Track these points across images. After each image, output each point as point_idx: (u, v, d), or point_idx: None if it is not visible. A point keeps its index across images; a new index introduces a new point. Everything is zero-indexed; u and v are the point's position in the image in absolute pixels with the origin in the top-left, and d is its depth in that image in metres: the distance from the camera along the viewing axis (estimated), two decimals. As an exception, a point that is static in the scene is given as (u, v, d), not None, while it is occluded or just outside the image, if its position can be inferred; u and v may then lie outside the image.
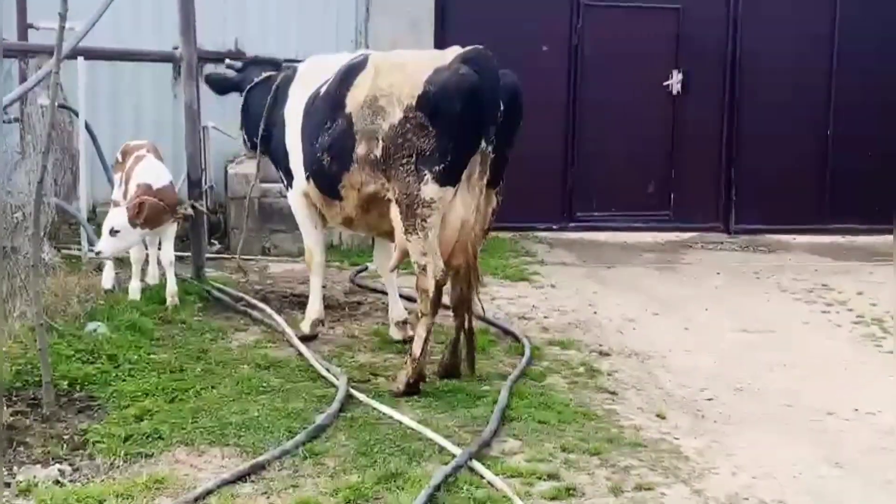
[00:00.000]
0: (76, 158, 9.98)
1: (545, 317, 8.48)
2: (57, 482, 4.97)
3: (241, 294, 8.53)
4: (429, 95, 6.01)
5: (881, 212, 11.67)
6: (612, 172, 12.26)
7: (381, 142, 6.23)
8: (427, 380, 6.35)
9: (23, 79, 9.56)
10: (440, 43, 11.36)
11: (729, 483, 5.29)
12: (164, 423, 5.64)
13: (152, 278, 8.67)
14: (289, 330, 7.41)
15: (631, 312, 8.74)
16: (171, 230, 8.25)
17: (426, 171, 6.03)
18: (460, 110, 5.97)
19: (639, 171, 12.39)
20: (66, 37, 7.07)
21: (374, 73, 6.39)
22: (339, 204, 6.79)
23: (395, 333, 7.41)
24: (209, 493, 4.83)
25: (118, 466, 5.14)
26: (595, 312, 8.72)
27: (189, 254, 9.27)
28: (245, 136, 8.14)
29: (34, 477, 4.99)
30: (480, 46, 6.16)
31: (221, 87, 8.35)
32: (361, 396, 6.10)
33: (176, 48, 9.17)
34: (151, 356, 6.76)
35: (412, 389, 6.19)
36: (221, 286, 8.76)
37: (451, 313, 6.61)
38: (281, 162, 7.51)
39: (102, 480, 5.00)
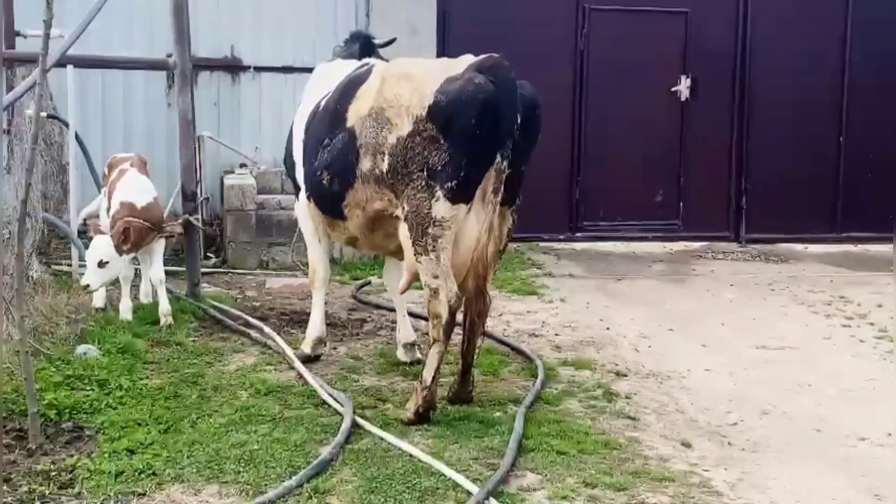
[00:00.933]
0: (66, 170, 9.70)
1: (556, 334, 8.18)
2: (42, 526, 4.63)
3: (238, 312, 8.25)
4: (440, 106, 5.69)
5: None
6: (619, 180, 11.95)
7: (387, 156, 5.91)
8: (436, 407, 6.00)
9: (10, 88, 9.19)
10: (442, 51, 11.06)
11: (765, 521, 4.94)
12: (158, 456, 5.32)
13: (145, 296, 8.40)
14: (289, 351, 7.13)
15: (645, 328, 8.42)
16: (159, 247, 7.98)
17: (437, 188, 5.70)
18: (474, 122, 5.64)
19: (646, 179, 12.08)
20: (53, 45, 6.74)
21: (379, 84, 6.07)
22: (342, 224, 6.51)
23: (403, 355, 7.12)
24: (207, 538, 4.49)
25: (108, 508, 4.78)
26: (608, 329, 8.40)
27: (183, 269, 8.97)
28: None
29: (18, 520, 4.65)
30: (496, 55, 5.83)
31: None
32: (369, 426, 5.79)
33: (170, 56, 8.83)
34: (144, 381, 6.47)
35: (422, 418, 5.88)
36: (218, 304, 8.47)
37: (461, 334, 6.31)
38: (289, 171, 7.29)
39: (91, 524, 4.67)
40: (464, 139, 5.67)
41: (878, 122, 12.27)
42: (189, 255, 8.81)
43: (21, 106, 8.62)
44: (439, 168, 5.70)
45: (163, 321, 7.74)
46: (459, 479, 5.08)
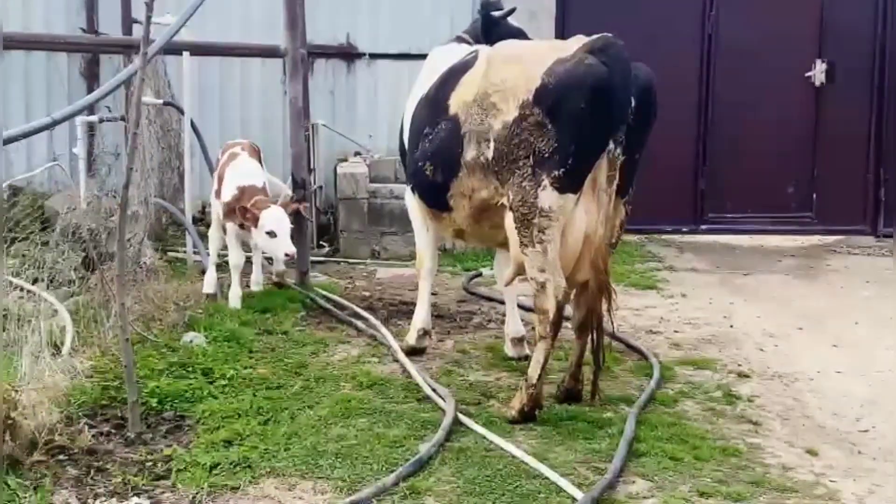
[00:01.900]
0: (182, 159, 9.82)
1: (675, 331, 7.87)
2: (134, 519, 4.60)
3: (346, 302, 8.22)
4: (548, 89, 5.47)
5: None
6: (748, 170, 11.47)
7: (492, 143, 5.74)
8: (544, 405, 5.79)
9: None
10: (561, 35, 10.78)
11: (897, 540, 4.58)
12: (255, 449, 5.25)
13: (256, 285, 8.45)
14: (394, 343, 7.06)
15: (772, 327, 8.02)
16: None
17: (544, 176, 5.49)
18: (585, 106, 5.40)
19: (778, 169, 11.57)
20: (161, 30, 6.75)
21: (484, 68, 5.90)
22: (448, 216, 6.36)
23: (511, 350, 6.94)
24: (297, 535, 4.39)
25: (201, 502, 4.71)
26: (731, 326, 8.03)
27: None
28: None
29: (110, 512, 4.63)
30: (609, 35, 5.55)
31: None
32: (471, 423, 5.62)
33: (286, 44, 8.83)
34: (248, 370, 6.45)
35: (527, 417, 5.69)
36: (326, 293, 8.45)
37: (572, 329, 6.14)
38: (403, 160, 7.20)
39: (183, 518, 4.63)
40: (573, 124, 5.44)
41: None
42: (299, 243, 8.76)
43: (139, 93, 8.72)
44: (546, 155, 5.49)
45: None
46: (563, 483, 4.86)
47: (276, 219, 7.59)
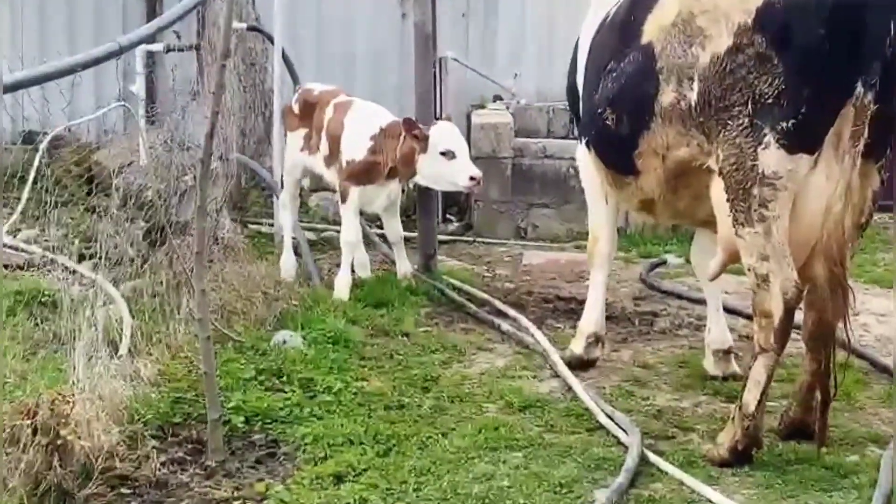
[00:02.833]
0: (270, 100, 9.95)
1: (936, 345, 7.63)
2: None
3: (486, 296, 8.28)
4: (774, 9, 5.40)
5: None
6: None
7: (697, 82, 5.66)
8: (763, 444, 5.71)
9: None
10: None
11: None
12: (374, 488, 5.30)
13: (362, 268, 8.56)
14: (554, 353, 7.05)
15: None
16: (397, 194, 8.39)
17: (767, 130, 5.39)
18: (824, 34, 5.28)
19: None
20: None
21: (690, -18, 5.80)
22: (633, 181, 6.31)
23: (713, 366, 6.87)
24: None
25: (305, 557, 4.78)
26: None
27: (415, 234, 9.06)
28: None
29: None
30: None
31: None
32: (664, 464, 5.58)
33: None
34: (360, 383, 6.54)
35: (741, 458, 5.61)
36: (459, 283, 8.53)
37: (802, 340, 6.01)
38: (572, 106, 7.27)
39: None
40: (808, 59, 5.33)
41: None
42: (423, 216, 8.84)
43: (215, 15, 8.86)
44: (771, 100, 5.39)
45: (403, 282, 8.17)
46: (792, 553, 4.78)
47: (450, 134, 7.79)
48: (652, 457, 5.63)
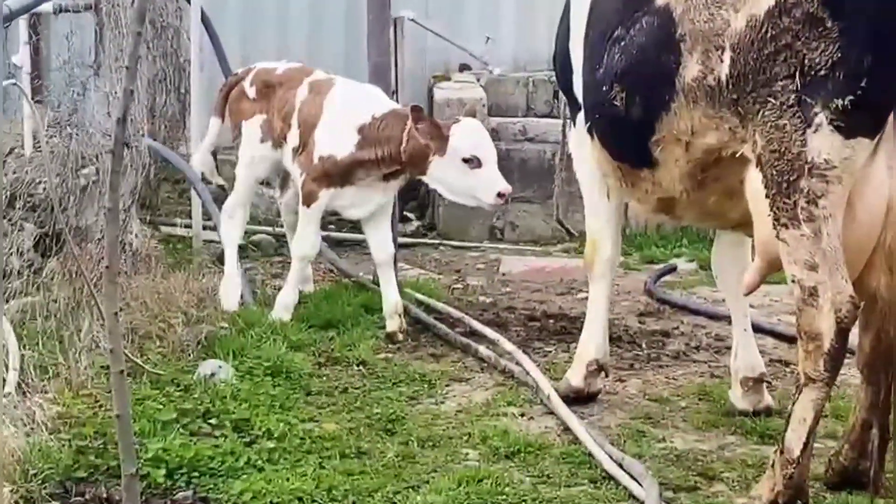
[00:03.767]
0: (186, 73, 9.89)
1: None
2: None
3: (457, 313, 8.30)
4: (829, -37, 5.38)
5: None
6: None
7: (728, 53, 5.63)
8: (809, 496, 5.67)
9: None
10: None
11: None
12: (332, 566, 5.28)
13: (305, 282, 8.58)
14: (545, 383, 7.00)
15: None
16: (389, 201, 8.31)
17: (819, 108, 5.35)
18: (892, -7, 5.27)
19: None
20: None
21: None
22: (649, 175, 6.27)
23: (741, 399, 6.87)
24: None
25: None
26: None
27: (364, 237, 8.97)
28: None
29: None
30: None
31: None
32: (687, 523, 5.54)
33: None
34: (308, 426, 6.49)
35: (783, 512, 5.59)
36: (424, 298, 8.56)
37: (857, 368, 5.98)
38: (561, 80, 7.25)
39: None
40: (869, 22, 5.30)
41: None
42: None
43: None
44: (823, 72, 5.35)
45: (392, 325, 7.94)
46: None
47: (478, 136, 7.74)
48: (674, 514, 5.62)
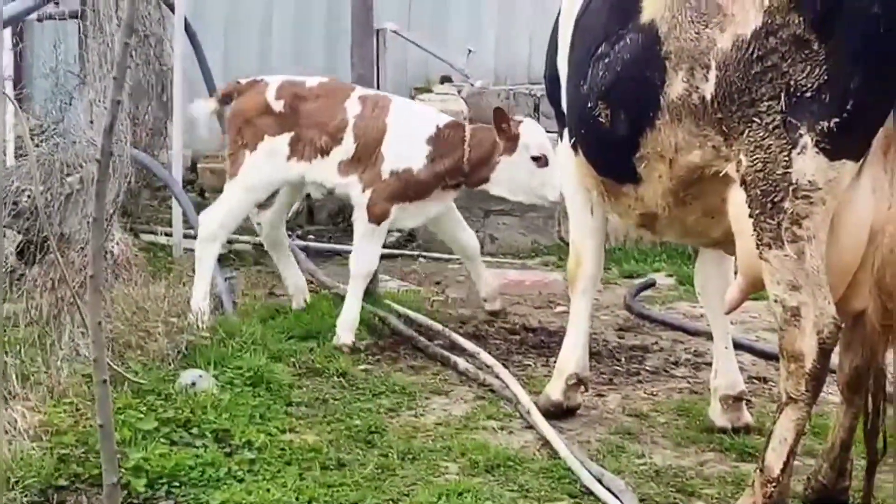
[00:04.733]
0: (168, 81, 9.88)
1: None
2: None
3: (437, 325, 8.28)
4: (815, -17, 5.37)
5: None
6: None
7: (714, 72, 5.62)
8: (791, 513, 5.70)
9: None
10: None
11: None
12: (312, 580, 5.26)
13: (298, 292, 8.64)
14: (525, 398, 7.01)
15: None
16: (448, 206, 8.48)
17: (804, 130, 5.33)
18: (878, 12, 5.24)
19: None
20: None
21: (706, -56, 5.79)
22: (632, 191, 6.26)
23: (721, 416, 6.88)
24: None
25: None
26: None
27: (348, 248, 8.99)
28: None
29: None
30: None
31: None
32: (667, 540, 5.54)
33: None
34: (288, 437, 6.49)
35: (762, 531, 5.59)
36: (404, 310, 8.55)
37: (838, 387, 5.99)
38: (551, 95, 7.26)
39: None
40: (856, 44, 5.29)
41: None
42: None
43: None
44: (809, 94, 5.34)
45: (490, 304, 8.53)
46: None
47: (543, 136, 7.87)
48: (653, 531, 5.62)
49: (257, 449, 6.23)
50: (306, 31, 11.33)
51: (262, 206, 8.54)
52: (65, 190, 7.36)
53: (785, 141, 5.40)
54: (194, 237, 9.07)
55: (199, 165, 10.68)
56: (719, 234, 5.97)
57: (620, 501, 5.80)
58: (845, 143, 5.36)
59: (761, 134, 5.46)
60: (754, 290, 5.75)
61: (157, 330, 7.30)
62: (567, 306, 7.31)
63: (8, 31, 8.93)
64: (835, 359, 5.74)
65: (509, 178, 7.94)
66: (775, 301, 5.52)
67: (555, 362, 7.24)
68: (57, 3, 9.79)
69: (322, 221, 10.94)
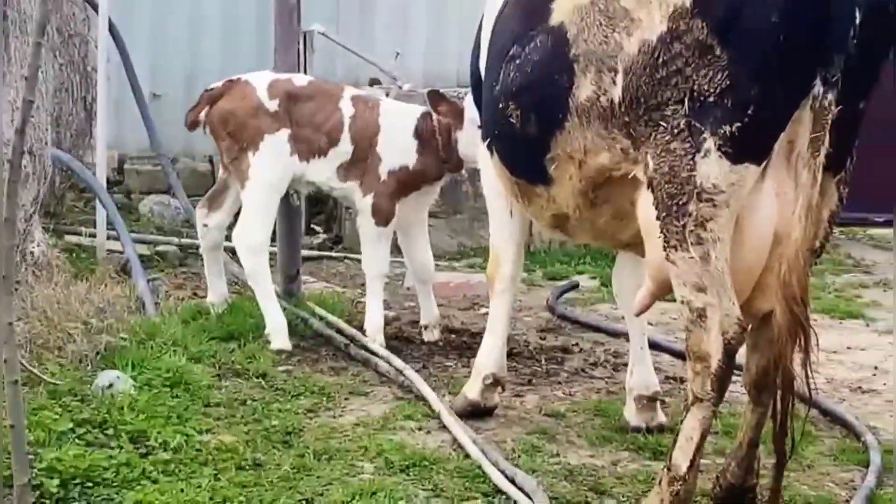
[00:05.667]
0: (93, 82, 9.85)
1: (902, 389, 7.81)
2: None
3: (353, 331, 8.32)
4: (719, -10, 5.43)
5: None
6: None
7: (621, 76, 5.67)
8: (697, 511, 5.76)
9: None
10: None
11: None
12: (225, 579, 5.26)
13: (218, 296, 8.58)
14: (439, 401, 7.06)
15: None
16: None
17: (707, 134, 5.38)
18: (777, 21, 5.30)
19: None
20: None
21: (614, -50, 5.83)
22: (545, 191, 6.30)
23: (636, 416, 6.95)
24: None
25: None
26: None
27: (275, 249, 9.08)
28: None
29: None
30: None
31: None
32: (577, 537, 5.57)
33: None
34: (205, 437, 6.47)
35: (670, 529, 5.64)
36: (326, 313, 8.57)
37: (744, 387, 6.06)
38: (476, 95, 7.31)
39: None
40: (757, 49, 5.36)
41: None
42: (285, 228, 8.84)
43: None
44: (712, 99, 5.40)
45: (429, 334, 8.38)
46: None
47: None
48: (565, 530, 5.65)
49: (173, 450, 6.21)
50: (236, 31, 11.30)
51: (211, 208, 8.47)
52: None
53: (689, 145, 5.44)
54: (117, 238, 9.09)
55: (125, 167, 10.65)
56: (628, 236, 6.02)
57: (532, 499, 5.81)
58: (748, 148, 5.41)
59: (667, 138, 5.50)
60: (663, 292, 5.80)
61: (76, 331, 7.29)
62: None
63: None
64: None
65: (472, 150, 7.84)
66: (682, 302, 5.57)
67: (475, 363, 7.28)
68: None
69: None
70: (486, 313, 7.88)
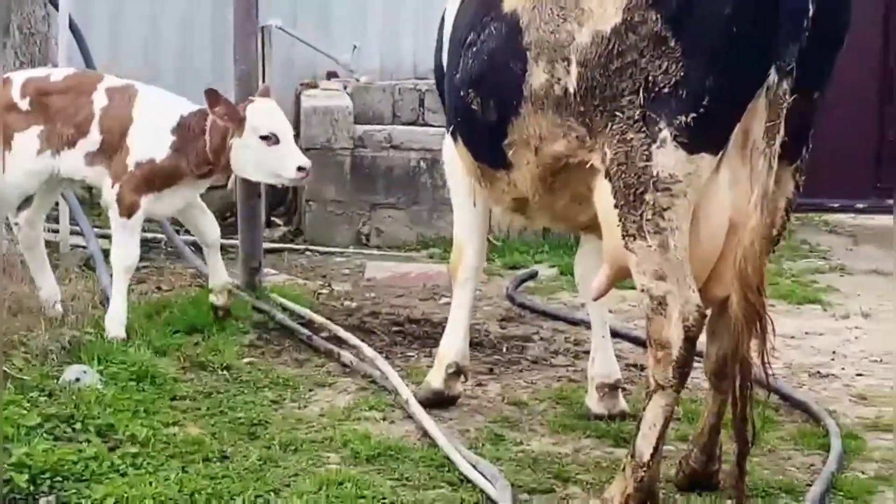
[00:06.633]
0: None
1: (859, 373, 7.94)
2: None
3: (321, 319, 8.30)
4: (673, -18, 5.48)
5: None
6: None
7: (575, 66, 5.71)
8: (659, 499, 5.79)
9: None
10: None
11: None
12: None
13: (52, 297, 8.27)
14: (405, 389, 7.07)
15: None
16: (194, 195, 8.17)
17: (663, 125, 5.44)
18: (731, 11, 5.36)
19: None
20: None
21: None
22: (505, 176, 6.37)
23: (598, 404, 6.99)
24: None
25: None
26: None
27: (235, 242, 9.03)
28: None
29: None
30: None
31: None
32: (541, 526, 5.62)
33: None
34: (171, 430, 6.48)
35: (635, 514, 5.69)
36: (289, 303, 8.54)
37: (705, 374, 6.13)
38: (439, 88, 7.34)
39: None
40: (712, 40, 5.41)
41: None
42: (245, 221, 8.80)
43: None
44: (667, 89, 5.44)
45: (216, 299, 8.04)
46: None
47: (273, 114, 7.72)
48: (527, 516, 5.69)
49: (141, 443, 6.23)
50: (193, 27, 11.27)
51: (21, 206, 8.25)
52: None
53: (645, 135, 5.49)
54: (80, 234, 9.07)
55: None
56: (586, 219, 6.09)
57: (494, 486, 5.84)
58: (703, 138, 5.46)
59: (623, 128, 5.55)
60: (620, 278, 5.87)
61: (40, 326, 7.29)
62: (451, 298, 7.34)
63: None
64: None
65: (244, 160, 7.75)
66: (642, 290, 5.63)
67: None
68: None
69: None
70: (447, 303, 7.93)
